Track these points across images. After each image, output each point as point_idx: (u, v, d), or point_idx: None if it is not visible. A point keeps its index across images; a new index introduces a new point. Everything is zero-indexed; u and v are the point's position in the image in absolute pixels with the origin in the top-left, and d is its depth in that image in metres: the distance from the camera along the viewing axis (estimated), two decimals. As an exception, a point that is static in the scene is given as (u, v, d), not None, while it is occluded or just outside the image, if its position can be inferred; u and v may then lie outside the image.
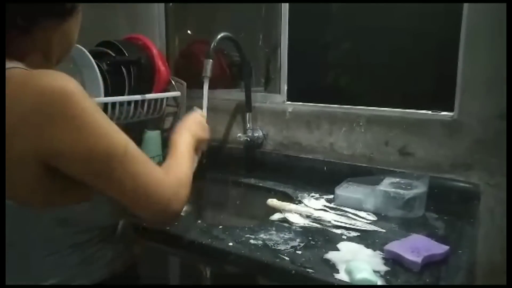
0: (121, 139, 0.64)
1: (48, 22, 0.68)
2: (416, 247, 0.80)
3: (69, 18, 0.71)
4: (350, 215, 1.03)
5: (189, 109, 1.54)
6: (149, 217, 0.70)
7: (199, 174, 1.22)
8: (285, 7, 1.37)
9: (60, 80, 0.61)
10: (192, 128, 0.91)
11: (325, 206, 1.10)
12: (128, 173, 0.64)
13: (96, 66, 1.22)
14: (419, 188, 1.04)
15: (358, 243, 0.88)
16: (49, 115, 0.59)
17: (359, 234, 0.93)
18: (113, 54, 1.34)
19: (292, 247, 0.86)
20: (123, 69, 1.34)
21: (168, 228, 0.94)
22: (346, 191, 1.12)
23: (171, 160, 0.80)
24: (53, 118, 0.59)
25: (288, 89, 1.41)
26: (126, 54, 1.35)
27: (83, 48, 1.21)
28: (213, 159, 1.35)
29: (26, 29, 0.67)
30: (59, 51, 0.74)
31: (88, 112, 0.61)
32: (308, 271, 0.76)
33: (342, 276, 0.75)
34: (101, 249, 0.73)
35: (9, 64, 0.64)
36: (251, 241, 0.88)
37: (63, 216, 0.66)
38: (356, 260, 0.79)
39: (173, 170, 0.75)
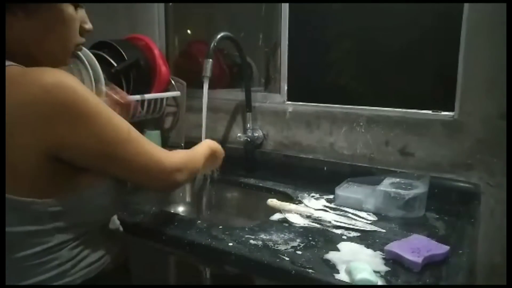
0: (123, 124, 0.70)
1: (9, 18, 0.65)
2: (416, 248, 0.80)
3: (30, 15, 0.66)
4: (350, 215, 1.03)
5: (188, 109, 1.55)
6: (152, 187, 0.83)
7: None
8: (285, 7, 1.37)
9: (60, 76, 0.63)
10: (212, 146, 1.02)
11: (325, 206, 1.10)
12: (131, 154, 0.70)
13: (100, 69, 1.21)
14: (420, 188, 1.04)
15: (358, 243, 0.87)
16: (56, 111, 0.61)
17: (359, 234, 0.93)
18: (110, 60, 1.32)
19: (292, 247, 0.86)
20: (123, 73, 1.34)
21: (168, 228, 0.94)
22: (346, 191, 1.12)
23: (187, 150, 0.90)
24: (60, 114, 0.61)
25: (288, 89, 1.41)
26: (124, 55, 1.34)
27: (89, 52, 1.20)
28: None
29: None
30: (45, 54, 0.71)
31: (92, 104, 0.65)
32: (308, 271, 0.76)
33: (342, 276, 0.74)
34: (92, 245, 0.73)
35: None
36: (251, 241, 0.88)
37: (56, 210, 0.66)
38: (356, 260, 0.79)
39: (179, 152, 0.84)
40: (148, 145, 0.74)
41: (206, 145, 1.00)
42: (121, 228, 0.87)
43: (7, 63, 0.65)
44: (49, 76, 0.62)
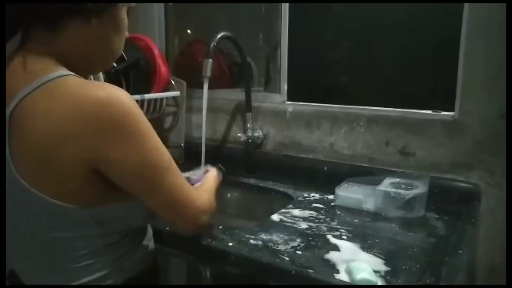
0: (166, 152, 0.69)
1: (72, 22, 0.68)
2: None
3: (95, 19, 0.68)
4: (350, 215, 1.03)
5: (188, 109, 1.55)
6: (181, 226, 0.76)
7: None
8: (285, 7, 1.37)
9: (116, 92, 0.64)
10: (217, 178, 0.97)
11: (325, 206, 1.10)
12: (168, 185, 0.69)
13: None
14: (420, 188, 1.04)
15: (358, 243, 0.87)
16: (106, 125, 0.62)
17: (359, 234, 0.92)
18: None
19: (292, 247, 0.86)
20: (123, 73, 1.33)
21: (168, 228, 0.94)
22: (347, 191, 1.12)
23: (204, 183, 0.89)
24: (109, 128, 0.62)
25: (288, 89, 1.41)
26: (124, 55, 1.34)
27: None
28: (213, 159, 1.35)
29: (52, 28, 0.67)
30: (100, 58, 0.74)
31: (142, 125, 0.65)
32: (308, 271, 0.76)
33: (342, 276, 0.74)
34: (132, 249, 0.76)
35: (59, 71, 0.65)
36: (251, 241, 0.88)
37: (100, 217, 0.68)
38: (356, 260, 0.79)
39: (203, 189, 0.84)
40: (184, 181, 0.72)
41: (214, 179, 0.94)
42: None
43: (64, 72, 0.66)
44: (105, 90, 0.63)
